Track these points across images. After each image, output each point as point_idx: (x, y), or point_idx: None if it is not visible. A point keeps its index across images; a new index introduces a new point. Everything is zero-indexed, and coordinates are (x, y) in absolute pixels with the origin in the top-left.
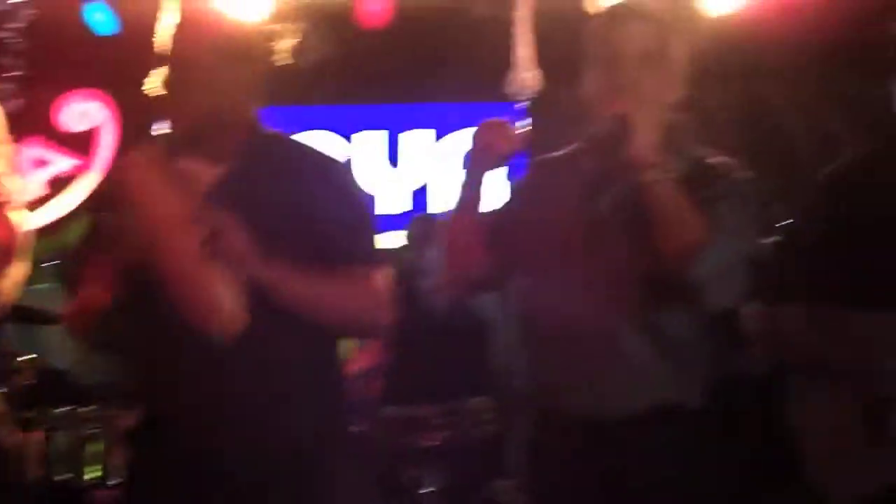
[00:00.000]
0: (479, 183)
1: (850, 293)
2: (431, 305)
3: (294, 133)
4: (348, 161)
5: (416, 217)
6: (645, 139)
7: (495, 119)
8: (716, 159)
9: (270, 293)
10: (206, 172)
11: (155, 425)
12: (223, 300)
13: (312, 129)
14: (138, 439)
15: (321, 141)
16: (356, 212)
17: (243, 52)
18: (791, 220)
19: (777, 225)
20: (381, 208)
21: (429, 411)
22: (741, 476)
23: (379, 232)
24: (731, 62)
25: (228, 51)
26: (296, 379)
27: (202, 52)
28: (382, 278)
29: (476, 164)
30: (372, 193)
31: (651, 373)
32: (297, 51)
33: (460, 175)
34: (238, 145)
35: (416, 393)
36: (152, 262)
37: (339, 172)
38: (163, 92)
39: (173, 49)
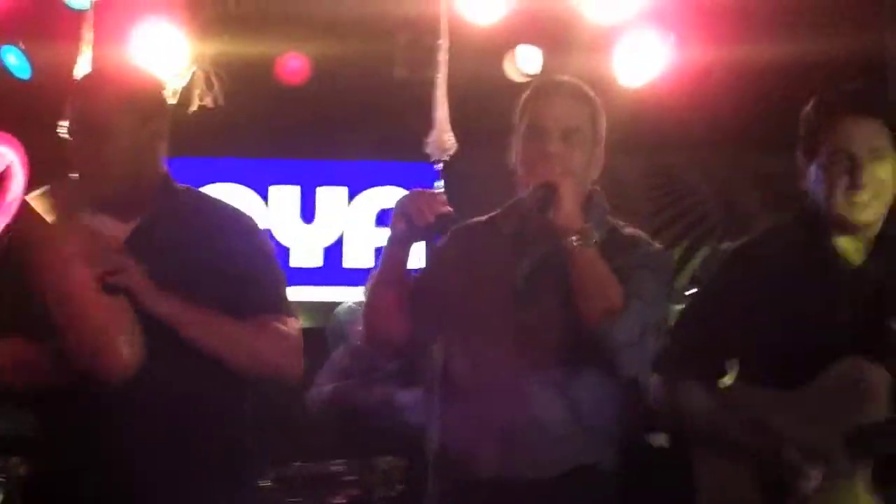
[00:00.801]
0: (403, 252)
1: (751, 369)
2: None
3: (207, 185)
4: (254, 216)
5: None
6: (569, 206)
7: (423, 189)
8: (630, 230)
9: (175, 328)
10: (117, 227)
11: (48, 475)
12: (120, 343)
13: (226, 181)
14: (32, 490)
15: (234, 194)
16: (264, 263)
17: (149, 109)
18: (696, 291)
19: (684, 295)
20: (295, 262)
21: (338, 469)
22: None
23: (292, 284)
24: (644, 135)
25: (133, 109)
26: (197, 429)
27: (107, 110)
28: (292, 326)
29: (401, 232)
30: (287, 247)
31: (565, 436)
32: (212, 103)
33: (383, 241)
34: (149, 201)
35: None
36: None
37: (247, 226)
38: (71, 147)
39: (79, 106)
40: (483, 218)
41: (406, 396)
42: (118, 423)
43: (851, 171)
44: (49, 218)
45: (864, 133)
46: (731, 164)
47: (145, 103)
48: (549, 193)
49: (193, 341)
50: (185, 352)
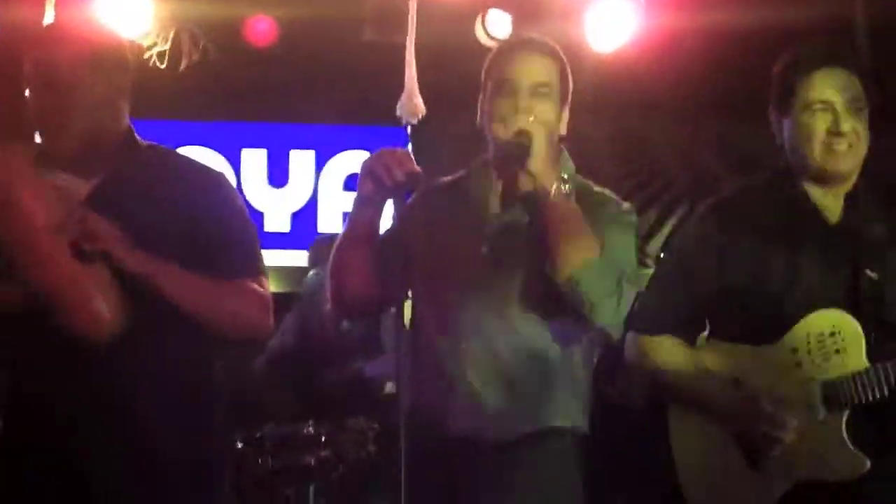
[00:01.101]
0: (372, 211)
1: (726, 324)
2: (322, 326)
3: (174, 148)
4: (224, 173)
5: (319, 238)
6: (544, 156)
7: (390, 148)
8: (598, 189)
9: (148, 288)
10: (77, 185)
11: (18, 433)
12: (99, 303)
13: (193, 144)
14: (4, 447)
15: (201, 157)
16: (236, 222)
17: (111, 64)
18: (670, 248)
19: (654, 257)
20: (264, 226)
21: (310, 430)
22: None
23: (262, 248)
24: (613, 101)
25: (96, 64)
26: (169, 390)
27: (68, 65)
28: (263, 284)
29: (368, 192)
30: (260, 211)
31: (536, 395)
32: (177, 64)
33: (351, 200)
34: (111, 157)
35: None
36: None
37: (217, 182)
38: (31, 100)
39: (41, 59)
40: (449, 178)
41: (375, 368)
42: (87, 379)
43: (831, 119)
44: (16, 176)
45: (842, 84)
46: (698, 131)
47: (107, 58)
48: (524, 143)
49: (170, 303)
50: (157, 309)
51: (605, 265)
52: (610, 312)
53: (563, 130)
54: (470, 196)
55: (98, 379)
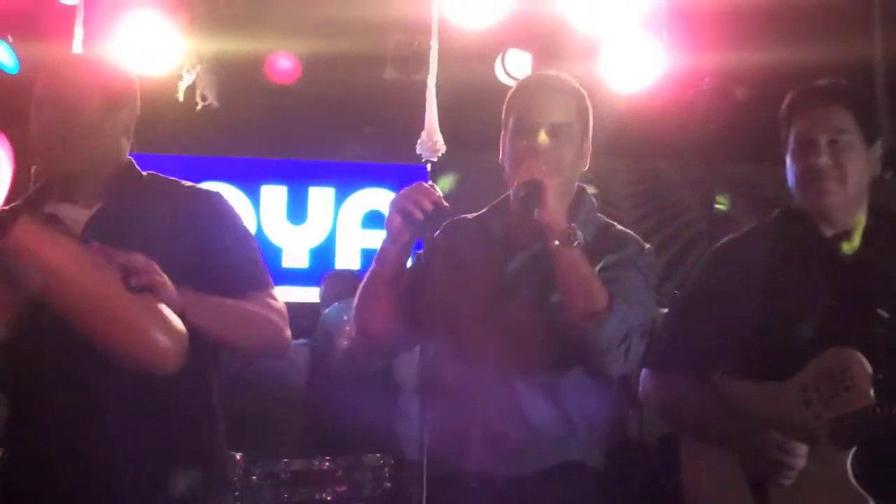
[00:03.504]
0: (399, 247)
1: (736, 363)
2: (342, 362)
3: (195, 183)
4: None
5: (329, 274)
6: (555, 205)
7: (417, 183)
8: (620, 228)
9: (182, 316)
10: (77, 213)
11: (23, 461)
12: (154, 333)
13: (213, 179)
14: (9, 474)
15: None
16: (236, 237)
17: (119, 101)
18: (683, 286)
19: (670, 295)
20: (282, 262)
21: (326, 465)
22: None
23: (280, 285)
24: (630, 141)
25: (104, 95)
26: (169, 409)
27: (77, 88)
28: (275, 296)
29: (397, 228)
30: (276, 246)
31: (554, 434)
32: (199, 99)
33: (369, 238)
34: (110, 186)
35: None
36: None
37: (214, 203)
38: (34, 118)
39: (49, 82)
40: (472, 216)
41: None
42: (92, 404)
43: (810, 156)
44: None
45: (826, 118)
46: (717, 172)
47: (115, 92)
48: (535, 191)
49: (201, 332)
50: None
51: (614, 316)
52: (617, 363)
53: (584, 166)
54: (491, 233)
55: (99, 398)
